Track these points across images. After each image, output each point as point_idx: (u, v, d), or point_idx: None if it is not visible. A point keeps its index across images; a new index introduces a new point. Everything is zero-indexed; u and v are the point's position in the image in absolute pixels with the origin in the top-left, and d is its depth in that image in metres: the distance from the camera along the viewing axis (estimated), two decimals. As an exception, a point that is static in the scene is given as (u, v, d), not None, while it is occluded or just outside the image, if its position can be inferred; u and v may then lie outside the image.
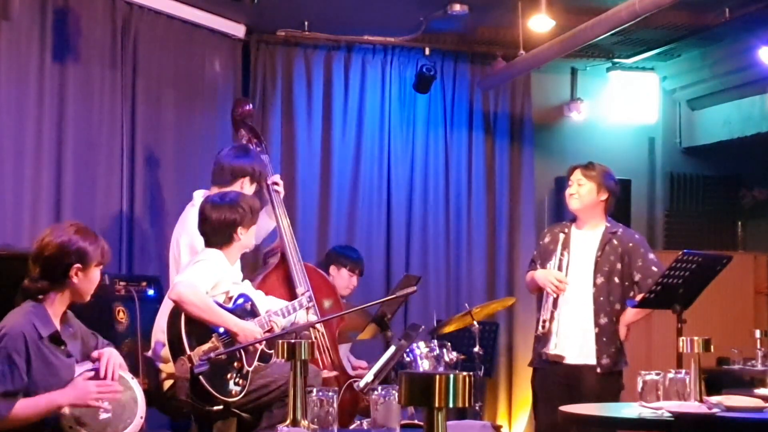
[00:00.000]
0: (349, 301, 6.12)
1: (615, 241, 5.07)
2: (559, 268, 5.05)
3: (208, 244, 4.42)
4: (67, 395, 3.51)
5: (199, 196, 4.88)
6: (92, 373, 3.60)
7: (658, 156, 8.24)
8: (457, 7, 6.45)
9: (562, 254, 5.08)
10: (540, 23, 6.24)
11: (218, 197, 4.51)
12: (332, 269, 6.01)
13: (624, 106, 7.93)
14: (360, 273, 6.17)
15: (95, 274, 3.67)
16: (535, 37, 6.49)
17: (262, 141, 5.43)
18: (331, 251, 6.25)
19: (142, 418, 3.71)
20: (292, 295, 4.96)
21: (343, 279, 6.01)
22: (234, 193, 4.62)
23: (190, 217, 4.80)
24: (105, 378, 3.64)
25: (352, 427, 4.25)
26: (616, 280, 5.03)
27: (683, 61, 7.74)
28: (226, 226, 4.39)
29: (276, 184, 5.26)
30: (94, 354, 3.72)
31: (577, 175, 5.14)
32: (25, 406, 3.44)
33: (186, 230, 4.79)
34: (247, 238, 4.49)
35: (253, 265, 5.88)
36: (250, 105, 5.55)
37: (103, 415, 3.59)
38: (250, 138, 5.36)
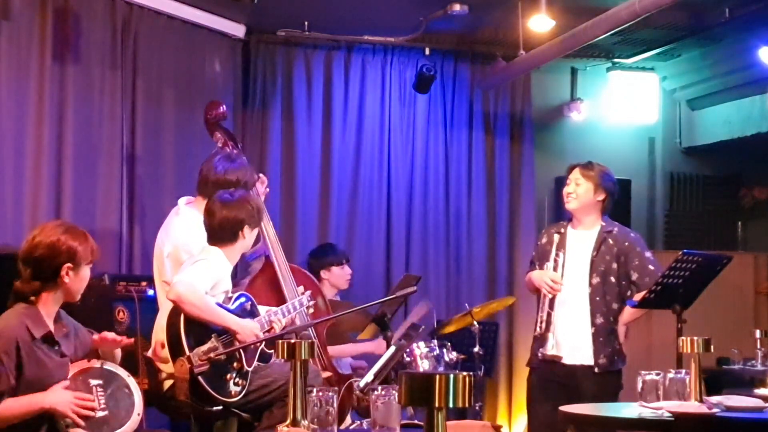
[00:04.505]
0: (350, 301, 6.12)
1: (610, 241, 5.06)
2: (555, 269, 5.06)
3: (211, 241, 4.41)
4: (48, 398, 3.50)
5: (183, 203, 4.85)
6: (68, 383, 3.58)
7: (658, 156, 8.24)
8: (457, 7, 6.45)
9: (557, 254, 5.08)
10: (540, 23, 6.24)
11: (228, 194, 4.50)
12: (323, 273, 6.03)
13: (624, 106, 7.93)
14: (347, 260, 6.23)
15: (86, 272, 3.67)
16: (535, 37, 6.49)
17: (237, 143, 5.27)
18: (311, 260, 6.21)
19: (139, 415, 3.71)
20: (279, 298, 4.88)
21: (337, 276, 6.05)
22: (243, 191, 4.61)
23: (173, 225, 4.75)
24: (118, 343, 3.77)
25: (352, 427, 4.24)
26: (612, 279, 5.02)
27: (683, 61, 7.73)
28: (234, 224, 4.38)
29: (262, 182, 5.12)
30: (96, 337, 3.77)
31: (576, 173, 5.14)
32: (9, 406, 3.44)
33: (169, 238, 4.72)
34: (250, 239, 4.49)
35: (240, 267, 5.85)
36: (224, 107, 5.35)
37: (100, 413, 3.59)
38: (226, 141, 5.19)
